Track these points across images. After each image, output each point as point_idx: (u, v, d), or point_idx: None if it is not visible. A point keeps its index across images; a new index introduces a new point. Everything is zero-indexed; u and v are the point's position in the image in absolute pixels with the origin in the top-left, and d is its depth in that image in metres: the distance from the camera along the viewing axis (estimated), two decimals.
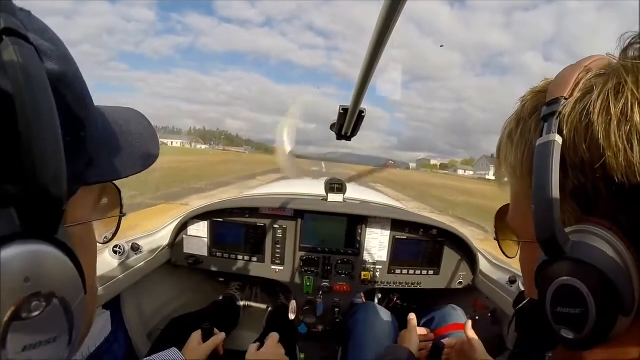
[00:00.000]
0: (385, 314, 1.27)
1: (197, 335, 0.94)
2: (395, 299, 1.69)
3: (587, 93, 0.31)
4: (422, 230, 1.41)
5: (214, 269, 1.44)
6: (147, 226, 1.42)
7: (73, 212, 0.32)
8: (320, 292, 1.41)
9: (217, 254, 1.42)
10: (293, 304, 1.37)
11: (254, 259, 1.43)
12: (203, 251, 1.41)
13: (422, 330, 1.14)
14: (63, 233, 0.26)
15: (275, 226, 1.40)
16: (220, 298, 1.56)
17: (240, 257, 1.42)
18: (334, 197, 1.47)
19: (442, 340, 0.97)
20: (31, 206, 0.23)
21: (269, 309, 1.67)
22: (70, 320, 0.26)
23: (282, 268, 1.43)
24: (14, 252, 0.22)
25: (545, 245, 0.31)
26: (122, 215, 0.48)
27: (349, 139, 0.90)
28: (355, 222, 1.40)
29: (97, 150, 0.34)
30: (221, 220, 1.40)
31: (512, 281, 1.19)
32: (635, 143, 0.27)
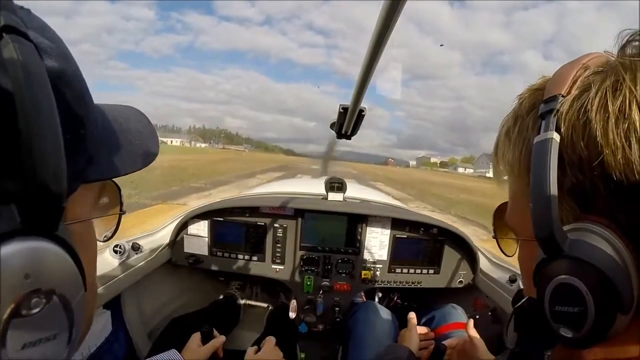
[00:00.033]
0: (385, 313, 1.27)
1: (196, 337, 0.94)
2: (395, 298, 1.69)
3: (584, 91, 0.31)
4: (422, 229, 1.41)
5: (214, 268, 1.44)
6: (143, 229, 1.40)
7: (73, 210, 0.33)
8: (321, 291, 1.41)
9: (218, 253, 1.42)
10: (293, 303, 1.38)
11: (255, 258, 1.43)
12: (203, 250, 1.41)
13: (422, 329, 1.14)
14: (63, 230, 0.26)
15: (276, 225, 1.40)
16: (221, 297, 1.56)
17: (240, 256, 1.42)
18: (334, 196, 1.46)
19: (444, 342, 0.97)
20: (31, 203, 0.23)
21: (270, 308, 1.67)
22: (70, 317, 0.26)
23: (282, 267, 1.43)
24: (14, 248, 0.22)
25: (543, 244, 0.31)
26: (122, 213, 0.48)
27: (349, 137, 0.90)
28: (355, 221, 1.40)
29: (96, 148, 0.34)
30: (221, 219, 1.40)
31: (513, 280, 1.19)
32: (633, 140, 0.27)
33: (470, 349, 0.92)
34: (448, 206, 13.42)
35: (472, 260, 1.40)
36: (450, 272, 1.43)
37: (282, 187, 1.98)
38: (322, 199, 1.49)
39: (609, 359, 0.31)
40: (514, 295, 0.49)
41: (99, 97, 0.40)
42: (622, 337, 0.29)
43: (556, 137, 0.31)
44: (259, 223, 1.41)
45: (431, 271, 1.43)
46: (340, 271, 1.41)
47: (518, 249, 0.44)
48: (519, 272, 1.15)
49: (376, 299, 1.63)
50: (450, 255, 1.42)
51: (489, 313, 1.28)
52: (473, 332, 0.95)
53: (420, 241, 1.42)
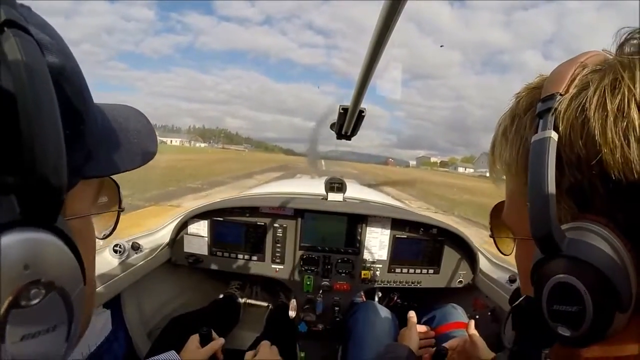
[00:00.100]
0: (385, 313, 1.27)
1: (195, 338, 0.94)
2: (395, 297, 1.69)
3: (583, 89, 0.31)
4: (422, 229, 1.41)
5: (214, 268, 1.44)
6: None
7: (72, 205, 0.33)
8: (320, 291, 1.41)
9: (218, 253, 1.42)
10: (293, 303, 1.38)
11: (254, 257, 1.43)
12: (203, 250, 1.41)
13: (422, 328, 1.15)
14: (62, 224, 0.26)
15: (276, 225, 1.41)
16: (221, 297, 1.57)
17: (240, 256, 1.42)
18: (334, 196, 1.47)
19: (444, 344, 0.97)
20: (31, 194, 0.23)
21: (269, 307, 1.67)
22: (70, 310, 0.26)
23: (282, 267, 1.43)
24: (13, 239, 0.22)
25: (541, 243, 0.31)
26: (120, 210, 0.48)
27: (349, 138, 0.90)
28: (355, 221, 1.41)
29: (96, 144, 0.35)
30: (221, 219, 1.40)
31: (512, 280, 1.19)
32: (632, 139, 0.27)
33: (471, 348, 0.92)
34: (451, 207, 13.27)
35: (471, 260, 1.40)
36: (450, 272, 1.43)
37: (282, 187, 1.98)
38: (322, 199, 1.50)
39: (606, 357, 0.31)
40: (511, 294, 0.49)
41: (99, 97, 0.41)
42: (620, 336, 0.29)
43: (554, 136, 0.31)
44: (258, 223, 1.41)
45: (431, 271, 1.43)
46: (340, 271, 1.42)
47: (515, 248, 0.43)
48: None
49: (376, 299, 1.63)
50: (450, 255, 1.42)
51: (489, 313, 1.28)
52: (473, 332, 0.95)
53: (420, 241, 1.42)
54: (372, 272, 1.42)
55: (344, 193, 1.48)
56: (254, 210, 1.41)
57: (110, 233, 0.49)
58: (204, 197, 8.84)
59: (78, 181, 0.33)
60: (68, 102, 0.29)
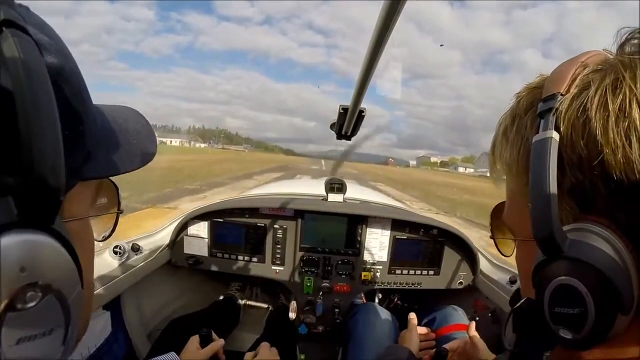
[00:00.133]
0: (385, 315, 1.27)
1: (194, 339, 0.94)
2: (395, 299, 1.69)
3: (584, 89, 0.30)
4: (422, 230, 1.41)
5: (214, 269, 1.44)
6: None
7: (70, 207, 0.33)
8: (321, 293, 1.41)
9: (218, 254, 1.42)
10: (293, 304, 1.37)
11: (254, 259, 1.42)
12: (203, 251, 1.41)
13: (422, 330, 1.14)
14: (60, 226, 0.26)
15: (276, 226, 1.40)
16: (221, 298, 1.56)
17: (240, 257, 1.42)
18: (334, 197, 1.47)
19: (444, 346, 0.96)
20: (29, 195, 0.23)
21: (269, 309, 1.67)
22: (67, 313, 0.26)
23: (282, 268, 1.43)
24: (10, 241, 0.22)
25: (542, 244, 0.31)
26: (119, 212, 0.48)
27: (349, 138, 0.90)
28: (355, 222, 1.40)
29: (95, 145, 0.34)
30: (221, 220, 1.40)
31: (513, 281, 1.19)
32: (634, 139, 0.27)
33: (471, 350, 0.92)
34: (453, 208, 13.14)
35: (472, 261, 1.40)
36: (450, 273, 1.42)
37: (282, 188, 1.98)
38: (322, 200, 1.49)
39: (608, 359, 0.31)
40: (511, 296, 0.48)
41: (99, 97, 0.41)
42: (622, 338, 0.29)
43: (555, 136, 0.30)
44: (258, 224, 1.41)
45: (431, 272, 1.43)
46: (340, 272, 1.41)
47: (516, 249, 0.43)
48: None
49: (376, 300, 1.63)
50: (450, 257, 1.42)
51: (489, 314, 1.28)
52: (474, 333, 0.95)
53: (420, 242, 1.42)
54: (372, 273, 1.42)
55: (344, 194, 1.47)
56: (254, 211, 1.40)
57: (110, 235, 0.49)
58: (201, 199, 8.74)
59: (76, 182, 0.32)
60: (67, 103, 0.29)
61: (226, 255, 1.42)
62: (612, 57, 0.32)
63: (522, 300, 0.38)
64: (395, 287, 1.44)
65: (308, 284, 1.41)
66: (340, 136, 0.89)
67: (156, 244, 1.31)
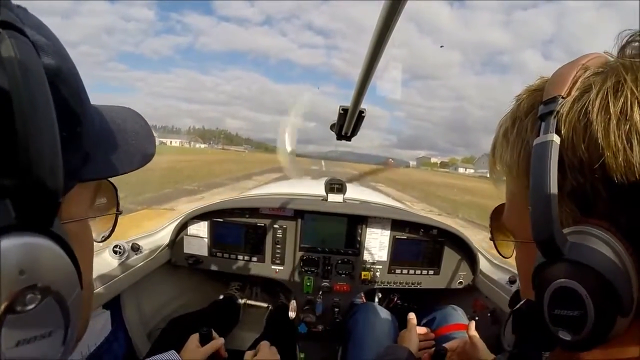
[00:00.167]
0: (385, 314, 1.27)
1: (194, 338, 0.94)
2: (395, 299, 1.69)
3: (585, 92, 0.30)
4: (422, 230, 1.41)
5: (214, 269, 1.44)
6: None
7: (69, 209, 0.33)
8: (320, 292, 1.41)
9: (217, 254, 1.42)
10: (293, 304, 1.38)
11: (254, 258, 1.43)
12: (203, 251, 1.41)
13: (421, 330, 1.14)
14: (59, 227, 0.26)
15: (275, 226, 1.40)
16: (220, 298, 1.56)
17: (240, 257, 1.42)
18: (334, 197, 1.47)
19: (444, 345, 0.96)
20: (27, 198, 0.23)
21: (269, 308, 1.67)
22: (66, 315, 0.26)
23: (282, 268, 1.43)
24: (9, 244, 0.22)
25: (543, 247, 0.31)
26: (118, 213, 0.48)
27: (349, 139, 0.90)
28: (355, 222, 1.40)
29: (93, 146, 0.34)
30: (221, 220, 1.40)
31: (512, 281, 1.19)
32: (635, 142, 0.27)
33: (471, 350, 0.92)
34: (455, 209, 12.99)
35: (472, 261, 1.40)
36: (450, 273, 1.43)
37: (282, 188, 1.98)
38: (322, 200, 1.49)
39: None
40: (511, 297, 0.48)
41: (98, 98, 0.41)
42: (621, 339, 0.29)
43: (556, 139, 0.30)
44: (258, 224, 1.41)
45: (431, 272, 1.43)
46: (340, 272, 1.41)
47: (515, 251, 0.43)
48: None
49: (376, 300, 1.63)
50: (450, 256, 1.42)
51: (489, 314, 1.28)
52: (473, 333, 0.95)
53: (420, 242, 1.42)
54: (372, 273, 1.42)
55: (344, 194, 1.47)
56: (254, 211, 1.40)
57: (109, 236, 0.49)
58: (199, 199, 8.63)
59: (75, 184, 0.32)
60: (64, 104, 0.29)
61: (226, 255, 1.42)
62: (612, 59, 0.32)
63: (522, 302, 0.38)
64: (395, 286, 1.45)
65: (308, 284, 1.41)
66: (340, 137, 0.89)
67: (156, 244, 1.31)
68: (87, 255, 0.37)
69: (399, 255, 1.42)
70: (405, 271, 1.43)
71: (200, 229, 1.40)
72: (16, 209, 0.23)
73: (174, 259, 1.40)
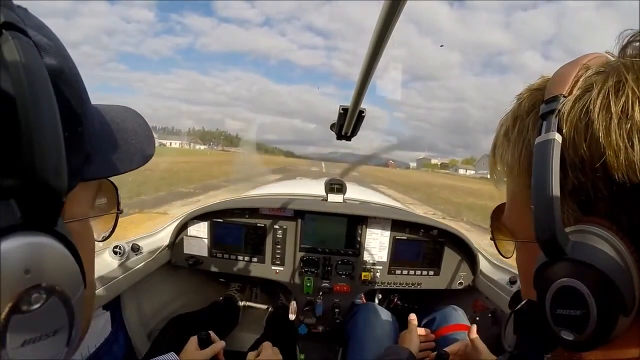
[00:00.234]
0: (385, 315, 1.27)
1: (194, 340, 0.94)
2: (395, 299, 1.69)
3: (586, 91, 0.30)
4: (422, 230, 1.41)
5: (214, 269, 1.43)
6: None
7: (71, 209, 0.33)
8: (321, 293, 1.41)
9: (217, 254, 1.42)
10: (293, 305, 1.37)
11: (254, 259, 1.42)
12: (203, 252, 1.41)
13: (422, 331, 1.14)
14: (62, 227, 0.26)
15: (276, 227, 1.40)
16: (220, 299, 1.56)
17: (240, 257, 1.42)
18: (334, 198, 1.47)
19: (445, 349, 0.96)
20: (31, 198, 0.23)
21: (269, 309, 1.67)
22: (70, 314, 0.26)
23: (282, 268, 1.43)
24: (14, 243, 0.22)
25: (545, 246, 0.31)
26: (119, 212, 0.48)
27: (349, 139, 0.90)
28: (355, 223, 1.40)
29: (94, 146, 0.34)
30: (221, 220, 1.40)
31: (513, 282, 1.19)
32: (636, 141, 0.27)
33: (472, 353, 0.92)
34: (458, 212, 12.72)
35: (472, 261, 1.40)
36: (450, 274, 1.42)
37: (282, 189, 1.98)
38: (322, 200, 1.49)
39: None
40: (511, 297, 0.48)
41: (98, 99, 0.41)
42: (622, 339, 0.29)
43: (558, 138, 0.30)
44: (258, 224, 1.41)
45: (431, 272, 1.43)
46: (340, 272, 1.41)
47: (516, 251, 0.43)
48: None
49: (376, 301, 1.63)
50: (450, 257, 1.42)
51: (489, 315, 1.27)
52: (475, 336, 0.95)
53: (420, 242, 1.42)
54: (372, 273, 1.42)
55: (344, 194, 1.47)
56: (253, 212, 1.40)
57: (109, 235, 0.49)
58: (194, 202, 8.39)
59: (77, 184, 0.32)
60: (66, 104, 0.29)
61: (226, 256, 1.42)
62: (614, 59, 0.32)
63: (523, 302, 0.38)
64: (395, 287, 1.44)
65: (308, 284, 1.41)
66: (340, 136, 0.89)
67: (156, 244, 1.31)
68: (89, 254, 0.37)
69: (399, 255, 1.42)
70: (405, 272, 1.43)
71: (200, 230, 1.40)
72: (21, 208, 0.23)
73: (174, 260, 1.40)
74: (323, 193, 1.49)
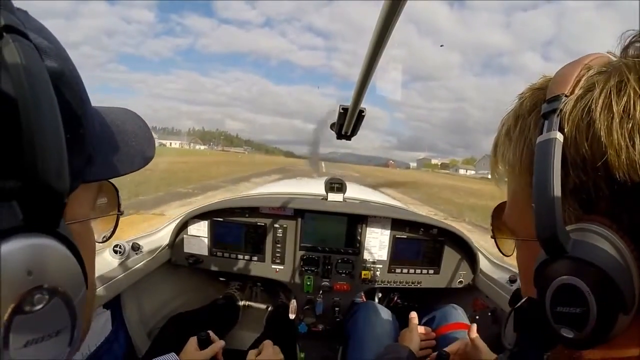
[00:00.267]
0: (385, 313, 1.27)
1: (194, 340, 0.94)
2: (395, 298, 1.69)
3: (588, 90, 0.30)
4: (422, 229, 1.41)
5: (214, 268, 1.44)
6: None
7: (72, 210, 0.33)
8: (321, 292, 1.41)
9: (218, 253, 1.42)
10: (293, 304, 1.38)
11: (254, 258, 1.43)
12: (203, 251, 1.41)
13: (422, 329, 1.14)
14: (64, 228, 0.26)
15: (276, 225, 1.41)
16: (220, 297, 1.56)
17: (240, 256, 1.42)
18: (334, 197, 1.47)
19: (445, 348, 0.97)
20: (34, 200, 0.23)
21: (269, 308, 1.67)
22: (73, 314, 0.26)
23: (282, 267, 1.43)
24: (16, 245, 0.22)
25: (546, 244, 0.31)
26: (119, 213, 0.48)
27: (349, 138, 0.90)
28: (355, 222, 1.40)
29: (95, 148, 0.35)
30: (221, 219, 1.40)
31: (513, 280, 1.19)
32: (637, 141, 0.27)
33: (473, 352, 0.92)
34: (460, 212, 12.60)
35: (472, 260, 1.40)
36: (450, 273, 1.43)
37: (282, 188, 1.98)
38: (322, 199, 1.49)
39: (607, 359, 0.31)
40: (511, 295, 0.49)
41: (98, 100, 0.41)
42: (622, 337, 0.29)
43: (560, 137, 0.31)
44: (258, 223, 1.41)
45: (431, 271, 1.43)
46: (340, 271, 1.41)
47: (516, 249, 0.43)
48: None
49: (376, 299, 1.63)
50: (450, 256, 1.42)
51: (489, 313, 1.28)
52: (475, 335, 0.95)
53: (420, 241, 1.42)
54: (372, 272, 1.42)
55: (344, 193, 1.48)
56: (254, 211, 1.41)
57: (110, 236, 0.49)
58: (191, 203, 8.25)
59: (78, 185, 0.32)
60: (67, 106, 0.29)
61: (226, 255, 1.42)
62: (615, 59, 0.32)
63: (523, 300, 0.38)
64: (395, 286, 1.45)
65: (308, 283, 1.41)
66: (340, 136, 0.89)
67: (156, 243, 1.31)
68: (89, 254, 0.38)
69: (399, 254, 1.43)
70: (405, 270, 1.43)
71: (201, 229, 1.40)
72: (23, 210, 0.23)
73: (174, 259, 1.40)
74: (323, 192, 1.49)
